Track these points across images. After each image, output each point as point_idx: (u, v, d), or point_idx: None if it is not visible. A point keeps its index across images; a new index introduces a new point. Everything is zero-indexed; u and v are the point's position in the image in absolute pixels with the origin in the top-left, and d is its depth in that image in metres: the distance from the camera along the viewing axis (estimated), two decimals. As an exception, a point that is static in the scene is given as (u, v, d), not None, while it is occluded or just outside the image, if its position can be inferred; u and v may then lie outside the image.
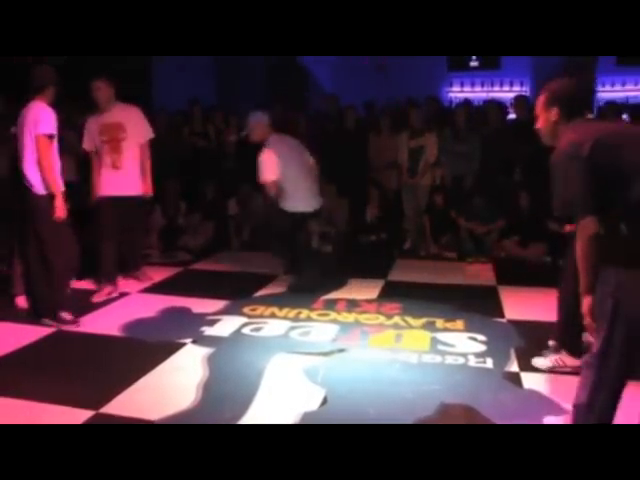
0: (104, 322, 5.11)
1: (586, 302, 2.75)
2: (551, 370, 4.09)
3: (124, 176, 5.82)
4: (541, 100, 3.01)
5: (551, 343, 4.27)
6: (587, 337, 4.19)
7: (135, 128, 5.90)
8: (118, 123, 5.81)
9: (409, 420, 3.36)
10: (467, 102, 9.42)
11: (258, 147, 8.27)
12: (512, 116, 8.58)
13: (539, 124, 3.07)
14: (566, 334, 4.12)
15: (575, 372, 3.98)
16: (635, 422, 2.84)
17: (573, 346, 4.07)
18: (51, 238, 4.86)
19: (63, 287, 5.09)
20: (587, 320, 2.77)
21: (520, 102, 8.08)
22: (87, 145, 5.93)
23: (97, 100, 5.77)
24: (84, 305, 5.47)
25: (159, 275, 6.67)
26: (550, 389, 3.80)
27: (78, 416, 3.44)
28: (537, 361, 4.19)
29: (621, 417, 3.11)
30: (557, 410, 3.53)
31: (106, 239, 5.81)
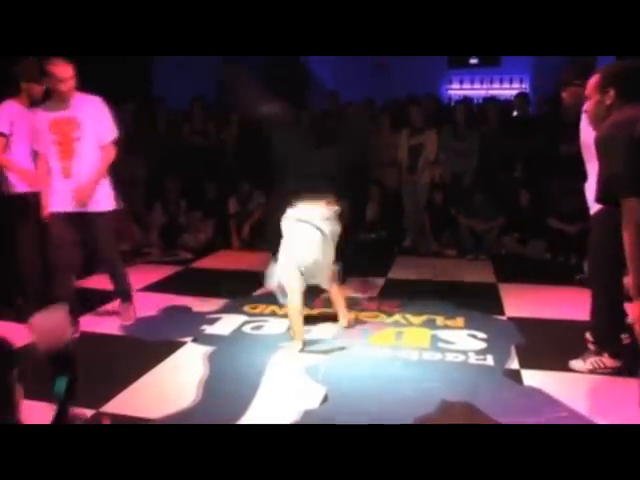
0: (104, 321, 5.11)
1: (636, 307, 2.44)
2: (591, 372, 3.97)
3: (76, 186, 4.64)
4: (595, 80, 2.77)
5: (591, 347, 4.06)
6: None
7: (94, 125, 4.65)
8: (71, 118, 4.59)
9: (409, 418, 3.36)
10: (466, 99, 9.42)
11: (258, 146, 8.30)
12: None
13: (588, 107, 2.82)
14: (606, 336, 3.98)
15: (614, 373, 3.92)
16: (636, 422, 2.83)
17: (614, 347, 3.96)
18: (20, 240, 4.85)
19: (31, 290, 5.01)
20: (637, 328, 2.46)
21: (521, 99, 8.10)
22: (37, 146, 4.72)
23: (56, 89, 4.51)
24: (84, 304, 5.47)
25: (159, 274, 6.67)
26: (551, 386, 3.79)
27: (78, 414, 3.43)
28: (576, 364, 4.05)
29: (622, 417, 3.13)
30: (558, 407, 3.53)
31: (55, 265, 4.75)
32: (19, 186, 4.89)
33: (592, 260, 4.03)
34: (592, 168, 3.85)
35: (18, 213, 4.86)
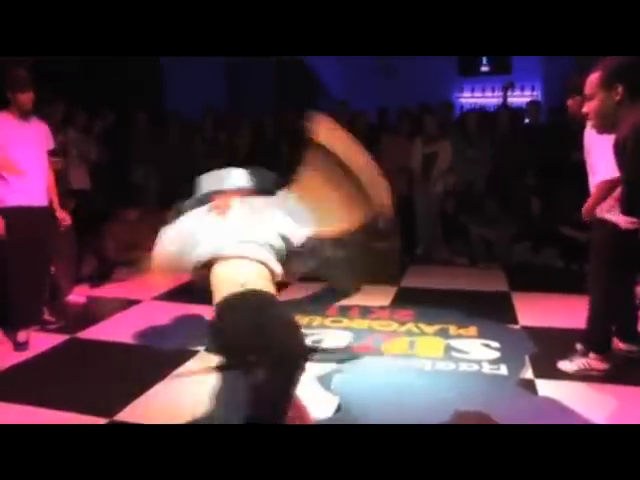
0: (117, 329, 5.12)
1: None
2: (577, 373, 4.05)
3: None
4: (597, 77, 2.61)
5: (578, 347, 4.23)
6: (617, 344, 4.23)
7: None
8: None
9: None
10: (478, 107, 9.41)
11: (270, 153, 8.31)
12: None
13: (590, 107, 2.63)
14: (595, 336, 4.08)
15: (602, 375, 3.99)
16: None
17: (602, 348, 4.05)
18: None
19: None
20: None
21: (533, 107, 8.08)
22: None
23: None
24: (98, 313, 5.50)
25: (172, 282, 6.67)
26: (565, 396, 3.77)
27: (92, 423, 3.44)
28: (563, 364, 4.15)
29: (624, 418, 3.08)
30: (572, 417, 3.51)
31: None
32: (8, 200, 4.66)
33: (594, 262, 4.04)
34: (595, 182, 3.90)
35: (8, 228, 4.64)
